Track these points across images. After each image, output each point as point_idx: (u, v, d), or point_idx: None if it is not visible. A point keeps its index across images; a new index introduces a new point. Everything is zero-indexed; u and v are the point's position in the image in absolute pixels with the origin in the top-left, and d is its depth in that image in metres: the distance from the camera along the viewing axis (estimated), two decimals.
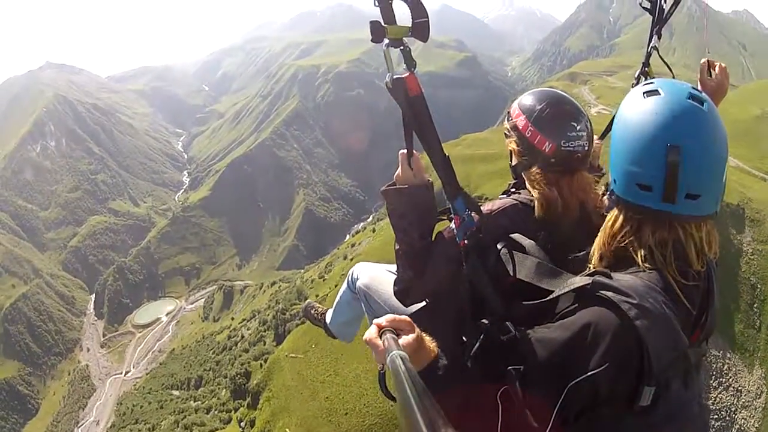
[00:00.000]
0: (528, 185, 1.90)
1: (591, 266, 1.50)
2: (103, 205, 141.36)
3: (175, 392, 63.93)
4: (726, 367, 24.91)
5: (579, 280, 1.40)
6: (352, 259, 58.56)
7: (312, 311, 3.46)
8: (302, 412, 19.51)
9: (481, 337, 1.59)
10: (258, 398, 24.42)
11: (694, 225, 1.41)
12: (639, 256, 1.41)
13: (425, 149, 1.56)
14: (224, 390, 45.43)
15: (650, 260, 1.40)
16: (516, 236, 1.72)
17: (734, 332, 26.99)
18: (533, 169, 1.87)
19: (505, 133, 1.99)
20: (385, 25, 1.45)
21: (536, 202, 1.82)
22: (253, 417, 23.91)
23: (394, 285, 1.90)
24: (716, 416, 24.23)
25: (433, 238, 1.86)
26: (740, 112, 44.85)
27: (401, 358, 1.00)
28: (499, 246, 1.68)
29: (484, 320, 1.59)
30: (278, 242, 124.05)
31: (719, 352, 24.59)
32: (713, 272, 1.51)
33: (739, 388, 24.93)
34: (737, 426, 24.73)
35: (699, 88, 1.89)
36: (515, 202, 1.87)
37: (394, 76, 1.51)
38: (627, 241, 1.45)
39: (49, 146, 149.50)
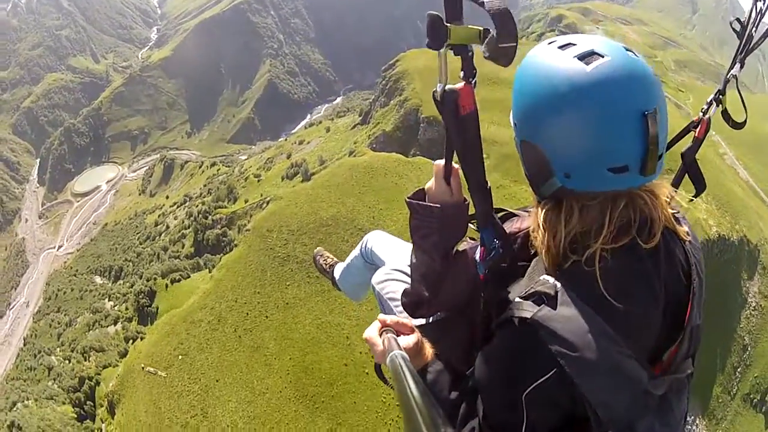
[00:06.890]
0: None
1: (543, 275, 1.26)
2: (63, 62, 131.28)
3: (98, 279, 65.59)
4: None
5: (527, 308, 1.18)
6: (295, 161, 56.43)
7: (320, 260, 3.33)
8: None
9: None
10: (114, 408, 20.80)
11: (656, 183, 1.22)
12: (584, 257, 1.18)
13: (464, 171, 1.31)
14: (131, 305, 45.67)
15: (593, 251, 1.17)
16: None
17: (711, 395, 25.35)
18: None
19: None
20: (448, 24, 1.08)
21: None
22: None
23: (403, 296, 1.70)
24: None
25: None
26: (757, 124, 40.88)
27: (402, 358, 0.98)
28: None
29: None
30: (234, 113, 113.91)
31: (689, 417, 21.83)
32: (698, 264, 1.29)
33: None
34: None
35: None
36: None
37: (447, 87, 1.17)
38: (572, 237, 1.21)
39: (19, 3, 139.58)
